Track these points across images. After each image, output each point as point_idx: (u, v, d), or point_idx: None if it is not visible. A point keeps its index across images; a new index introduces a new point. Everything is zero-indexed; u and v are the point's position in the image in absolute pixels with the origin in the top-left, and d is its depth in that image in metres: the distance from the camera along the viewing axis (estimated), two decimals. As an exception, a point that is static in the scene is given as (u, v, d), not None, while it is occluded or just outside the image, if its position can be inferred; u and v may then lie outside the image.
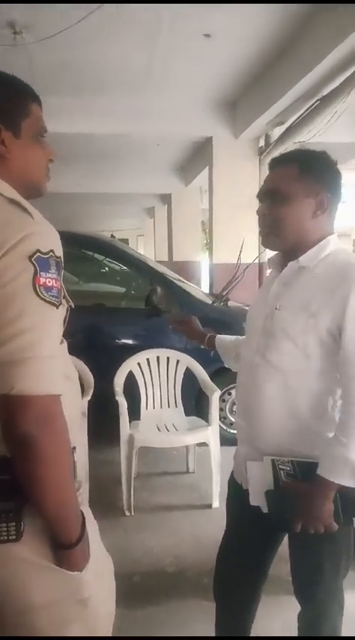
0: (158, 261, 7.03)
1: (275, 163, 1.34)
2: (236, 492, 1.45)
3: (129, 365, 3.17)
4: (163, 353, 3.28)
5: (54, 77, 4.77)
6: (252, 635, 1.61)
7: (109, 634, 1.02)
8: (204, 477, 3.09)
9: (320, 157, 1.31)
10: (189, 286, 4.41)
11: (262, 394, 1.31)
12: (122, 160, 8.04)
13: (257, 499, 1.30)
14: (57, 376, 0.85)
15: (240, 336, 1.68)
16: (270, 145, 5.55)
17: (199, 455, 3.30)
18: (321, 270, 1.26)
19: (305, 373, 1.25)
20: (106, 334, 3.89)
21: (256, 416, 1.33)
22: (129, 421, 2.89)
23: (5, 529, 0.85)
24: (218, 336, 1.74)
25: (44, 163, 1.01)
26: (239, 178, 5.83)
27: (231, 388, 3.65)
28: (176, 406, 3.29)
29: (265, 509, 1.28)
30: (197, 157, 7.45)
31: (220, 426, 3.11)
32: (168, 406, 3.28)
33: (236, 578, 1.52)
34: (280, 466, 1.26)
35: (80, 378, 2.84)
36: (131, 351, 3.28)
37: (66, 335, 0.94)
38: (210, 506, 2.91)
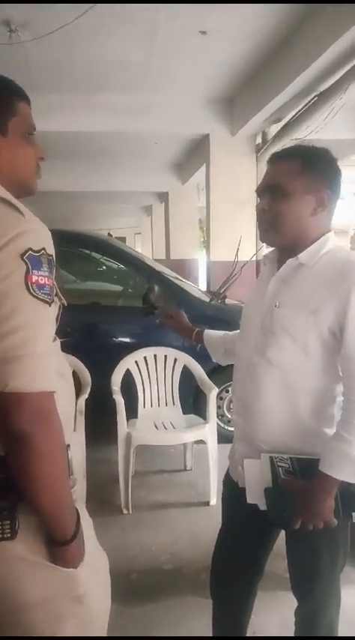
0: (155, 260, 7.02)
1: (276, 158, 1.32)
2: (231, 490, 1.45)
3: (127, 363, 3.17)
4: (161, 351, 3.28)
5: (50, 75, 4.77)
6: (249, 631, 1.61)
7: (105, 630, 1.03)
8: (201, 475, 3.09)
9: (322, 154, 1.30)
10: (186, 284, 4.41)
11: (261, 392, 1.30)
12: (119, 158, 8.04)
13: (254, 497, 1.29)
14: (51, 373, 0.85)
15: (228, 332, 1.69)
16: (267, 142, 5.56)
17: (197, 452, 3.30)
18: (320, 268, 1.26)
19: (304, 370, 1.25)
20: (104, 332, 3.89)
21: (254, 413, 1.32)
22: (127, 419, 2.89)
23: (0, 527, 0.85)
24: (206, 330, 1.75)
25: (34, 161, 1.01)
26: (236, 176, 5.84)
27: (229, 386, 3.65)
28: (173, 404, 3.29)
29: (263, 507, 1.27)
30: (194, 154, 7.45)
31: (218, 424, 3.11)
32: (166, 404, 3.28)
33: (232, 575, 1.52)
34: (278, 463, 1.26)
35: (77, 377, 2.86)
36: (128, 349, 3.27)
37: (63, 333, 0.94)
38: (207, 503, 2.92)
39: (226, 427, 3.67)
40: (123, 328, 3.88)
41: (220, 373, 3.29)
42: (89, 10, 3.37)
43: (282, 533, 1.42)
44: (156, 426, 3.07)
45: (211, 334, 1.73)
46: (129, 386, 3.15)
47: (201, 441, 2.97)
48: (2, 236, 0.82)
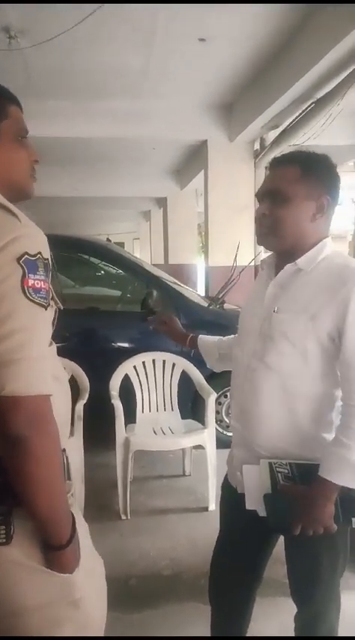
0: (154, 265, 7.03)
1: (276, 163, 1.32)
2: (230, 496, 1.44)
3: (125, 368, 3.16)
4: (159, 356, 3.28)
5: (50, 81, 4.79)
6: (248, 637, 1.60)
7: (101, 635, 1.02)
8: (200, 480, 3.08)
9: (322, 160, 1.30)
10: (185, 289, 4.41)
11: (260, 397, 1.30)
12: (118, 163, 8.06)
13: (253, 503, 1.28)
14: (47, 377, 0.85)
15: (222, 337, 1.68)
16: (265, 148, 5.58)
17: (195, 458, 3.29)
18: (318, 274, 1.26)
19: (303, 376, 1.25)
20: (102, 337, 3.89)
21: (253, 418, 1.32)
22: (125, 424, 2.88)
23: None
24: (200, 336, 1.73)
25: (27, 164, 1.01)
26: (234, 181, 5.86)
27: (227, 391, 3.64)
28: (172, 409, 3.28)
29: (262, 513, 1.26)
30: (192, 160, 7.47)
31: (216, 429, 3.11)
32: (164, 409, 3.27)
33: (231, 581, 1.51)
34: (278, 469, 1.25)
35: (76, 381, 2.85)
36: (127, 354, 3.27)
37: (62, 338, 0.94)
38: (206, 509, 2.90)
39: (225, 432, 3.66)
40: (121, 333, 3.88)
41: (219, 378, 3.28)
42: (88, 17, 3.39)
43: (281, 539, 1.41)
44: (154, 431, 3.06)
45: (205, 340, 1.72)
46: (127, 391, 3.14)
47: (199, 446, 2.97)
48: None
